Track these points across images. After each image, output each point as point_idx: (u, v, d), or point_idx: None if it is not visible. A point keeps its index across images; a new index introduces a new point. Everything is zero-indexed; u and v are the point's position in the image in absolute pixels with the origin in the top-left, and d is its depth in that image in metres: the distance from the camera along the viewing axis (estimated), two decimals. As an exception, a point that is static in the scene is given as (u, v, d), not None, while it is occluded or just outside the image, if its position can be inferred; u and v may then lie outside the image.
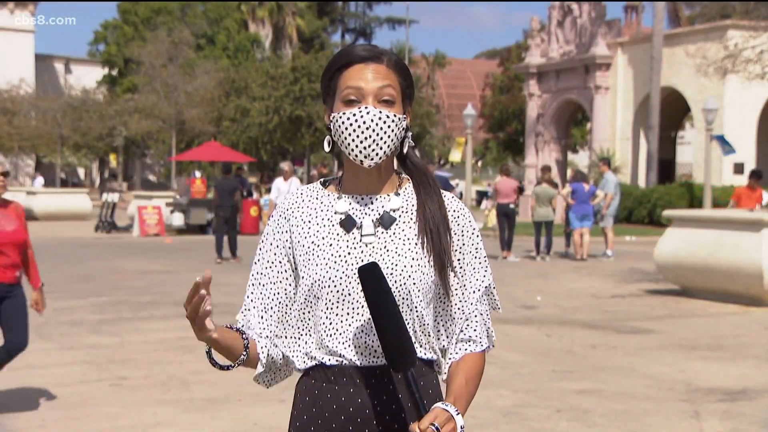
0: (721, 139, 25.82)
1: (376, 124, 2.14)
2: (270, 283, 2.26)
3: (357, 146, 2.14)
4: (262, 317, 2.27)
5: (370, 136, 2.13)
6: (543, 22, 37.70)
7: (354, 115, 2.14)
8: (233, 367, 2.22)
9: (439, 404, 2.06)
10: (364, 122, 2.13)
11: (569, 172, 35.61)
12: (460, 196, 37.63)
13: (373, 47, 2.22)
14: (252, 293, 2.29)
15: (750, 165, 30.29)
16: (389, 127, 2.15)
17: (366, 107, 2.14)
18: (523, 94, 39.76)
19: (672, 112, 33.95)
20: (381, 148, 2.15)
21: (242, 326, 2.27)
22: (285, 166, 18.14)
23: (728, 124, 29.18)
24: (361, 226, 2.20)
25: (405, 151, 2.26)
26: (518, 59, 45.19)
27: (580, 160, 53.03)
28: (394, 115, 2.16)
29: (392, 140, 2.17)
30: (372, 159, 2.15)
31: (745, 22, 23.65)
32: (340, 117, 2.16)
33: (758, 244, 11.73)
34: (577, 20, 35.21)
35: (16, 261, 6.17)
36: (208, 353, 2.18)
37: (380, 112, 2.14)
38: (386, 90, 2.16)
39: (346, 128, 2.15)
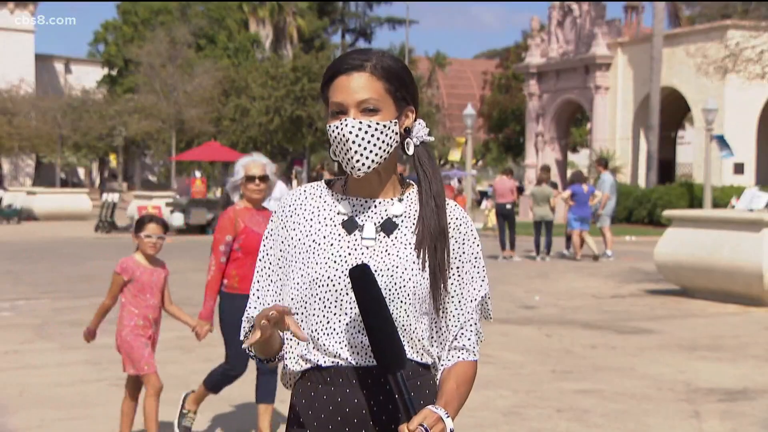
0: (721, 140, 25.80)
1: (356, 136, 2.14)
2: (279, 279, 2.27)
3: (343, 159, 2.17)
4: None
5: (351, 148, 2.14)
6: (543, 22, 37.69)
7: (337, 128, 2.16)
8: (273, 360, 2.25)
9: (429, 406, 2.07)
10: (344, 136, 2.14)
11: (569, 172, 35.62)
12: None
13: (359, 55, 2.21)
14: (260, 289, 2.29)
15: (750, 165, 30.31)
16: (372, 136, 2.15)
17: (345, 120, 2.15)
18: (523, 94, 39.76)
19: (672, 112, 33.93)
20: (368, 158, 2.15)
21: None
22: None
23: (728, 124, 29.17)
24: (362, 229, 2.21)
25: (411, 152, 2.25)
26: (517, 60, 45.18)
27: (580, 160, 53.00)
28: (377, 123, 2.16)
29: (380, 148, 2.16)
30: (359, 170, 2.16)
31: (745, 22, 23.65)
32: (328, 129, 2.19)
33: (758, 244, 11.73)
34: (577, 20, 35.21)
35: None
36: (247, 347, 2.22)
37: (360, 123, 2.15)
38: (367, 100, 2.16)
39: (333, 140, 2.18)
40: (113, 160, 53.42)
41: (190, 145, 43.37)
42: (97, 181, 63.89)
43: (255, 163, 5.55)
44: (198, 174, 28.94)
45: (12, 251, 19.32)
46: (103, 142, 47.13)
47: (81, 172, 64.19)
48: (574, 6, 35.26)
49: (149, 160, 60.30)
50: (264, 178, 5.50)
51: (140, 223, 5.43)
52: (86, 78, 57.32)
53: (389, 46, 66.32)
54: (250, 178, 5.48)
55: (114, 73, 57.56)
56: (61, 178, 52.86)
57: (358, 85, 2.16)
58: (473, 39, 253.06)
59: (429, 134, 2.29)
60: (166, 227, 5.48)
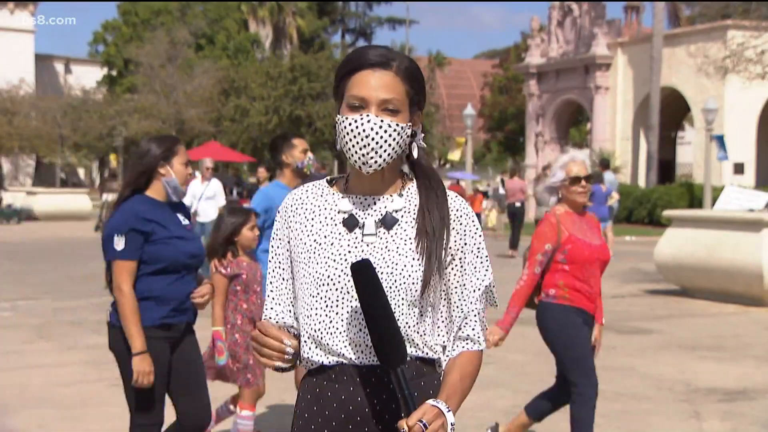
0: (720, 141, 25.79)
1: (376, 133, 2.14)
2: (291, 277, 2.28)
3: (356, 153, 2.15)
4: (290, 312, 2.29)
5: (368, 144, 2.14)
6: (543, 22, 37.68)
7: (356, 121, 2.14)
8: (294, 367, 2.25)
9: (429, 401, 2.06)
10: (364, 130, 2.14)
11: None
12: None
13: (385, 52, 2.20)
14: (274, 290, 2.31)
15: (750, 165, 30.29)
16: (390, 136, 2.15)
17: (367, 115, 2.14)
18: (522, 94, 39.75)
19: (672, 112, 33.93)
20: (381, 156, 2.15)
21: (283, 322, 2.29)
22: (208, 162, 14.78)
23: (728, 124, 29.16)
24: (363, 226, 2.21)
25: (416, 155, 2.26)
26: (517, 60, 45.21)
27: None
28: (396, 125, 2.16)
29: (393, 149, 2.17)
30: (370, 166, 2.16)
31: (746, 22, 23.63)
32: (343, 121, 2.17)
33: (758, 244, 11.73)
34: (577, 20, 35.20)
35: (598, 289, 5.00)
36: None
37: (381, 121, 2.14)
38: (391, 100, 2.16)
39: (347, 134, 2.16)
40: (113, 161, 53.42)
41: (190, 145, 43.36)
42: (97, 181, 63.88)
43: (576, 162, 4.99)
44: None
45: (12, 251, 19.32)
46: (103, 142, 47.12)
47: (81, 172, 64.18)
48: (574, 6, 35.25)
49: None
50: (589, 178, 4.97)
51: None
52: (86, 78, 57.28)
53: (389, 45, 66.34)
54: (575, 180, 4.92)
55: (114, 73, 57.56)
56: (61, 178, 52.88)
57: (383, 84, 2.16)
58: (473, 39, 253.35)
59: (423, 138, 2.30)
60: None
